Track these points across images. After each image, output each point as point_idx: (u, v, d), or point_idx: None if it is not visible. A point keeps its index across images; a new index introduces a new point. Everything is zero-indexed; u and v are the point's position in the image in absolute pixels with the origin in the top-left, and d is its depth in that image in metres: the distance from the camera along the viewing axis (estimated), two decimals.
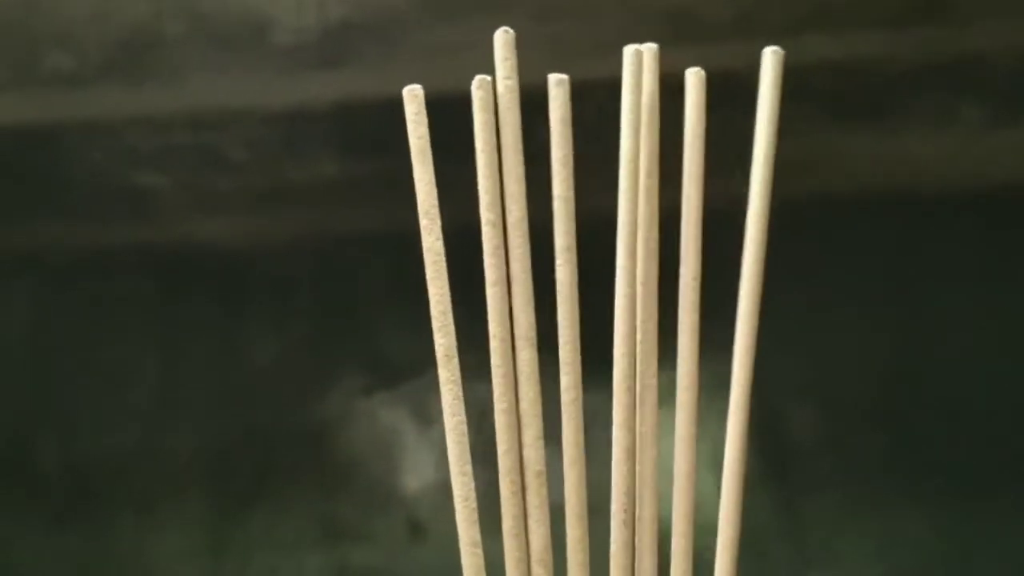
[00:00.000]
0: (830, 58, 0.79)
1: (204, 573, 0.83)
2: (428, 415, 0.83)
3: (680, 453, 0.35)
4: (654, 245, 0.35)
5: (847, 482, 0.82)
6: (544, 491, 0.35)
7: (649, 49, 0.34)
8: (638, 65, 0.34)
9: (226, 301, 0.85)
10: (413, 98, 0.34)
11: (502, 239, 0.35)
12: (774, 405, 0.82)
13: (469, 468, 0.36)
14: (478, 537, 0.36)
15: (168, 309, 0.85)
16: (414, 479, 0.84)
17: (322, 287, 0.84)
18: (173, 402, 0.85)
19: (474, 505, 0.36)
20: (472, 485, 0.36)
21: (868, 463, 0.82)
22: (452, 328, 0.35)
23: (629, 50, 0.35)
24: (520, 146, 0.35)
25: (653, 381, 0.35)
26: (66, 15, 0.82)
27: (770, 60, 0.35)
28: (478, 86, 0.34)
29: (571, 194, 0.35)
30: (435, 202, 0.34)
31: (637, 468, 0.36)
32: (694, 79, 0.35)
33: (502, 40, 0.34)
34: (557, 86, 0.34)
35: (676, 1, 0.80)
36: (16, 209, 0.85)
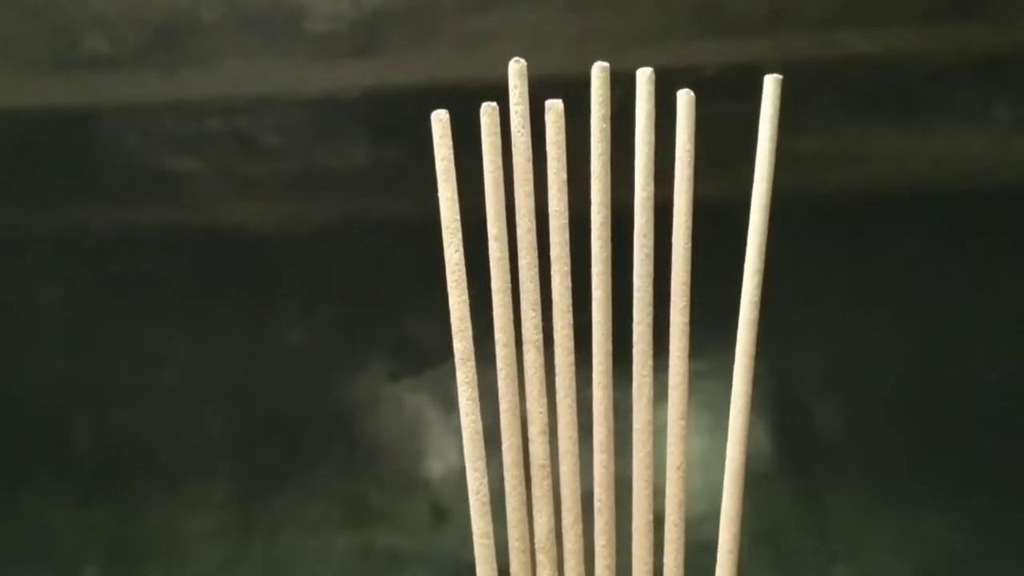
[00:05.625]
0: (863, 53, 0.79)
1: (231, 552, 0.85)
2: (453, 402, 0.84)
3: (672, 445, 0.37)
4: (649, 251, 0.36)
5: (872, 478, 0.82)
6: (547, 483, 0.37)
7: (643, 72, 0.36)
8: (605, 81, 0.36)
9: (256, 285, 0.86)
10: (439, 123, 0.35)
11: (506, 252, 0.37)
12: (799, 401, 0.82)
13: (482, 464, 0.38)
14: (489, 528, 0.38)
15: (199, 292, 0.86)
16: (438, 464, 0.85)
17: (351, 273, 0.85)
18: (203, 383, 0.86)
19: (486, 499, 0.37)
20: (484, 480, 0.38)
21: (893, 459, 0.82)
22: (470, 333, 0.37)
23: (597, 67, 0.36)
24: (530, 166, 0.37)
25: (648, 379, 0.37)
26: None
27: (771, 87, 0.36)
28: (486, 113, 0.36)
29: (565, 208, 0.37)
30: (457, 218, 0.37)
31: (633, 461, 0.38)
32: (684, 99, 0.37)
33: (514, 70, 0.36)
34: (551, 111, 0.37)
35: None
36: (51, 190, 0.86)
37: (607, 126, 0.36)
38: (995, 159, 0.81)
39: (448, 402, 0.84)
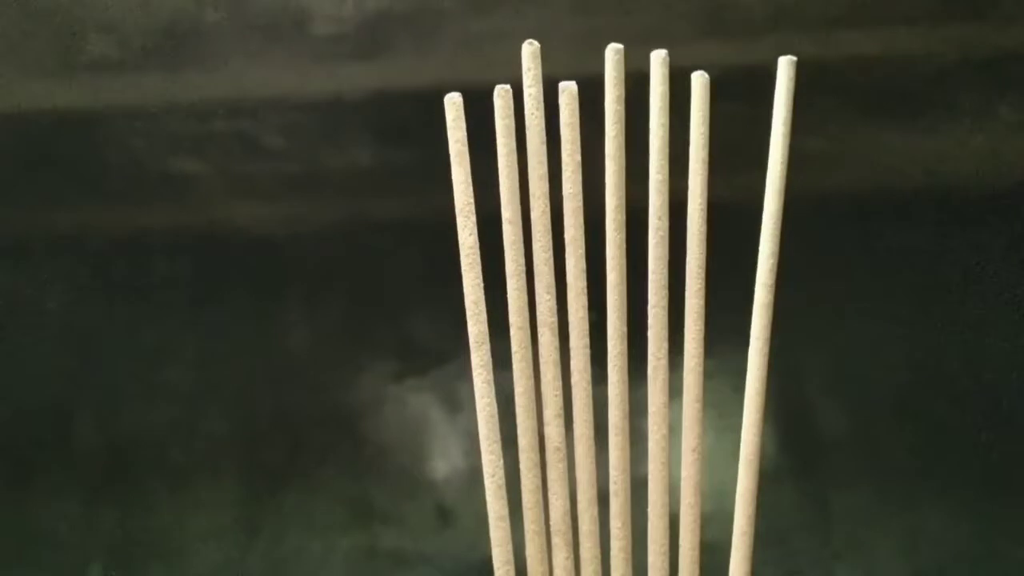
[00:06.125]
0: (865, 54, 0.79)
1: (236, 551, 0.85)
2: (457, 401, 0.84)
3: (687, 428, 0.37)
4: (664, 234, 0.37)
5: (875, 477, 0.82)
6: (562, 466, 0.37)
7: (658, 55, 0.36)
8: (619, 63, 0.36)
9: (261, 286, 0.86)
10: (452, 105, 0.36)
11: (520, 235, 0.37)
12: (804, 400, 0.82)
13: (497, 447, 0.38)
14: (505, 511, 0.38)
15: (204, 293, 0.86)
16: (443, 464, 0.85)
17: (355, 273, 0.85)
18: (208, 384, 0.86)
19: (501, 482, 0.37)
20: (500, 463, 0.38)
21: (897, 458, 0.82)
22: (484, 316, 0.37)
23: (611, 49, 0.37)
24: (544, 148, 0.37)
25: (663, 361, 0.37)
26: (108, 2, 0.83)
27: (785, 68, 0.37)
28: (500, 95, 0.36)
29: (579, 190, 0.37)
30: (471, 200, 0.37)
31: (648, 443, 0.38)
32: (699, 81, 0.37)
33: (527, 52, 0.36)
34: (565, 93, 0.37)
35: None
36: (57, 192, 0.86)
37: (621, 107, 0.36)
38: (996, 159, 0.81)
39: (453, 402, 0.84)
